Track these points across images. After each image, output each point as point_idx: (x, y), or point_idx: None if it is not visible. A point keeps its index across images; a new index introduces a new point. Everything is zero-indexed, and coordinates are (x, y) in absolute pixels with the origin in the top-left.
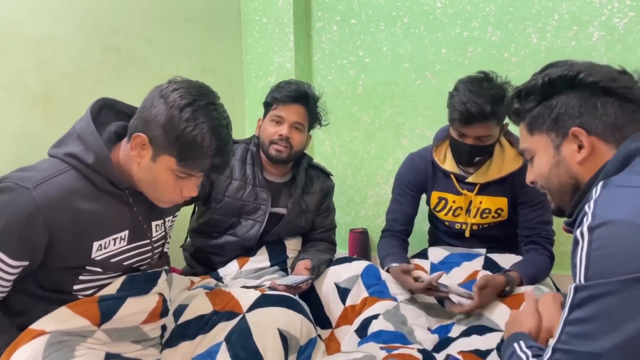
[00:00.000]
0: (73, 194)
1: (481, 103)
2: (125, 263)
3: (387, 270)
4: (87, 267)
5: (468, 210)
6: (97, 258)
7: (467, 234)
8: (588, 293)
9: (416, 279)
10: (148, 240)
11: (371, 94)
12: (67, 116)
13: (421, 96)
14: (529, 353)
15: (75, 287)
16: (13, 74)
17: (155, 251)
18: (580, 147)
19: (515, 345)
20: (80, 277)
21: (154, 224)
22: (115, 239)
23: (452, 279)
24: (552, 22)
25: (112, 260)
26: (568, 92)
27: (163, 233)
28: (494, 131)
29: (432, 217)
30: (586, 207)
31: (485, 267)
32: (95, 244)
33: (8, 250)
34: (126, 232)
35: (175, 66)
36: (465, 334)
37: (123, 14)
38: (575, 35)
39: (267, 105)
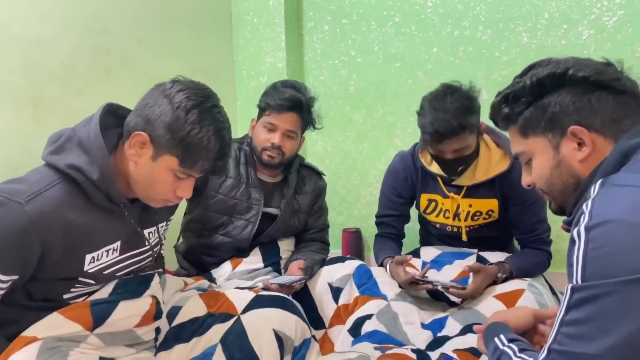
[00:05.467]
0: (65, 207)
1: (448, 119)
2: (118, 274)
3: (382, 264)
4: (80, 279)
5: (457, 214)
6: (90, 270)
7: (464, 237)
8: (585, 294)
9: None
10: (143, 248)
11: (363, 93)
12: (57, 118)
13: (413, 95)
14: (515, 348)
15: (66, 295)
16: (2, 76)
17: (150, 258)
18: (580, 144)
19: (496, 340)
20: (72, 289)
21: (146, 232)
22: (107, 251)
23: (445, 276)
24: (542, 20)
25: (105, 272)
26: (559, 90)
27: (157, 239)
28: (470, 140)
29: (422, 220)
30: (584, 206)
31: None
32: (88, 257)
33: None
34: (118, 243)
35: (166, 67)
36: (461, 333)
37: (113, 15)
38: (565, 34)
39: (261, 110)
